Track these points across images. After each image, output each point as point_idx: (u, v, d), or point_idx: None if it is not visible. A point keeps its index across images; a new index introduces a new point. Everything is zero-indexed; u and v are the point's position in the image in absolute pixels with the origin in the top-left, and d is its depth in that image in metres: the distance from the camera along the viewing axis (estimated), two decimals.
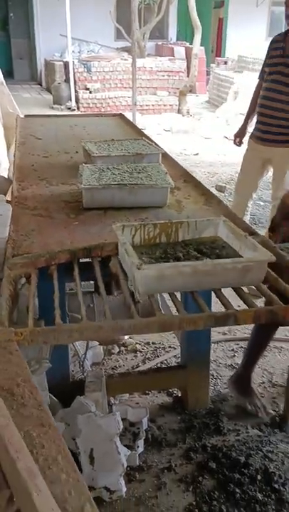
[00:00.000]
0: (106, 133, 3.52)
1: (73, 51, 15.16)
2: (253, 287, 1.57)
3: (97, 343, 2.59)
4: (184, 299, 1.92)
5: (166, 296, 2.13)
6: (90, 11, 14.47)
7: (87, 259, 1.76)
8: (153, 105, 10.88)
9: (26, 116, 4.21)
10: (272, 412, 2.37)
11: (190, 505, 1.89)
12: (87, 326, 1.30)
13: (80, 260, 1.73)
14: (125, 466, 1.95)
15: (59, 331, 1.28)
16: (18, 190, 2.36)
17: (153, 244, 1.63)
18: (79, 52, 15.12)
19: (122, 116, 4.27)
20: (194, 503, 1.90)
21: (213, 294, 1.58)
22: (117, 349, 2.85)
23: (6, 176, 4.00)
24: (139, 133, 3.63)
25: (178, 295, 1.63)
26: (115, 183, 2.07)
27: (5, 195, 3.32)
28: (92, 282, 2.22)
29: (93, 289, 2.21)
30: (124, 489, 1.93)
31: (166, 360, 2.76)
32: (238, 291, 1.50)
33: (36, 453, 0.87)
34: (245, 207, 3.75)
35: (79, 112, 9.82)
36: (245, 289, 1.58)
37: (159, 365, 2.71)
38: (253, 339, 2.40)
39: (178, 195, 2.34)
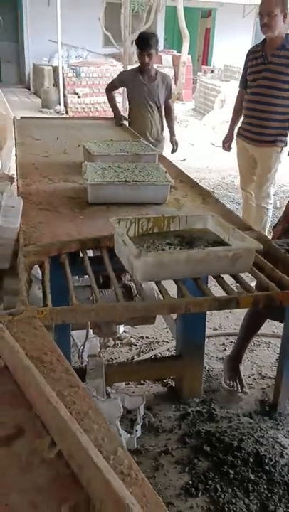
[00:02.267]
0: (102, 135, 3.64)
1: (62, 56, 15.31)
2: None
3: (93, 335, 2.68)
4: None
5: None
6: (79, 17, 14.59)
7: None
8: None
9: (22, 118, 4.31)
10: (247, 391, 2.57)
11: (187, 484, 2.00)
12: (102, 306, 1.41)
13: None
14: (126, 448, 2.05)
15: (77, 311, 1.39)
16: (22, 186, 2.47)
17: (146, 235, 1.74)
18: (67, 57, 15.22)
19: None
20: (190, 482, 2.01)
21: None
22: (112, 342, 2.95)
23: None
24: (133, 136, 3.76)
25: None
26: (119, 180, 2.19)
27: None
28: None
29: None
30: None
31: (159, 353, 2.88)
32: (237, 278, 1.62)
33: (69, 408, 0.98)
34: (249, 200, 4.05)
35: (67, 116, 9.92)
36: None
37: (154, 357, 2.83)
38: (244, 326, 2.57)
39: (176, 194, 2.47)
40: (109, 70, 11.23)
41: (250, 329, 2.57)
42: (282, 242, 2.00)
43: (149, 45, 3.97)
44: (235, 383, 2.58)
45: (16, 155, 3.06)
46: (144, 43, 4.00)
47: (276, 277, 1.62)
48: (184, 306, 1.44)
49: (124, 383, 2.59)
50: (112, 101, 4.43)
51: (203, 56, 16.67)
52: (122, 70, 9.15)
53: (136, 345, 2.96)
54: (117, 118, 4.25)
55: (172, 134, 4.46)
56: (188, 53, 12.39)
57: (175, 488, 1.99)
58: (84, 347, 2.55)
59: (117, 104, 4.57)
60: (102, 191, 2.18)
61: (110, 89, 4.44)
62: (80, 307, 1.40)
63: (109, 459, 0.88)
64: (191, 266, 1.48)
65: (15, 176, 2.59)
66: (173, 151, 4.43)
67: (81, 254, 1.83)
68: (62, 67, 10.78)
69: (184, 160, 7.85)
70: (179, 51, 12.40)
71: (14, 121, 4.05)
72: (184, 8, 12.60)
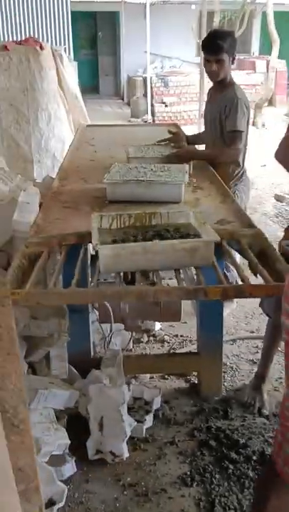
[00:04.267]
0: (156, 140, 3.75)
1: (156, 67, 15.71)
2: None
3: (122, 327, 2.81)
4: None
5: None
6: (173, 27, 14.90)
7: None
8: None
9: (88, 125, 4.56)
10: (266, 412, 2.44)
11: (184, 474, 2.06)
12: (74, 291, 1.54)
13: None
14: (128, 434, 2.15)
15: (50, 294, 1.53)
16: (57, 187, 2.67)
17: (130, 229, 1.84)
18: (161, 67, 15.63)
19: (176, 125, 4.51)
20: (188, 472, 2.06)
21: None
22: (146, 338, 3.06)
23: None
24: None
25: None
26: (134, 178, 2.31)
27: None
28: None
29: None
30: (127, 454, 2.13)
31: (190, 351, 2.93)
32: (215, 269, 1.67)
33: None
34: None
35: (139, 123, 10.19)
36: None
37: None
38: (267, 337, 2.53)
39: (199, 194, 2.53)
40: (198, 79, 11.34)
41: (272, 339, 2.52)
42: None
43: (217, 48, 2.84)
44: (254, 403, 2.47)
45: (64, 159, 3.29)
46: (211, 44, 2.88)
47: (257, 271, 1.64)
48: (152, 294, 1.52)
49: (148, 376, 2.69)
50: None
51: None
52: None
53: (168, 342, 3.03)
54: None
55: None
56: (283, 58, 12.16)
57: (172, 477, 2.05)
58: (110, 339, 2.68)
59: None
60: (119, 189, 2.31)
61: None
62: (53, 290, 1.54)
63: (8, 412, 1.00)
64: (149, 258, 1.55)
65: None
66: None
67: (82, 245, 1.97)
68: (151, 77, 11.08)
69: (264, 166, 7.75)
70: None
71: (77, 128, 4.31)
72: (283, 12, 12.38)
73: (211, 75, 2.97)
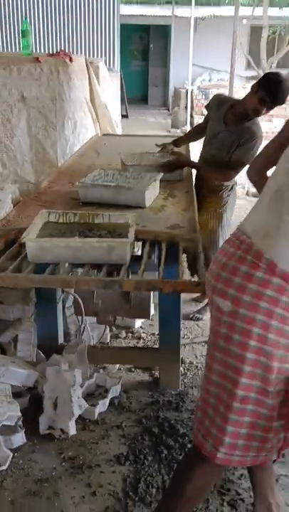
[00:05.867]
0: None
1: (204, 79, 15.95)
2: None
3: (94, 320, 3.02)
4: None
5: None
6: (223, 41, 15.07)
7: None
8: (267, 132, 11.01)
9: (104, 134, 4.84)
10: None
11: (120, 454, 2.25)
12: (6, 275, 1.78)
13: None
14: (77, 414, 2.36)
15: None
16: (44, 188, 2.93)
17: (74, 225, 2.07)
18: (209, 80, 15.87)
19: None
20: (125, 453, 2.25)
21: None
22: (124, 334, 3.26)
23: None
24: None
25: None
26: (103, 183, 2.53)
27: None
28: None
29: None
30: (74, 432, 2.34)
31: (152, 346, 3.10)
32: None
33: None
34: None
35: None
36: None
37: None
38: None
39: (168, 201, 2.73)
40: (239, 92, 11.46)
41: None
42: None
43: (282, 100, 2.89)
44: None
45: (62, 163, 3.56)
46: (280, 93, 2.84)
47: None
48: (74, 282, 1.74)
49: (116, 368, 2.89)
50: None
51: None
52: None
53: (144, 339, 3.23)
54: None
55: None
56: None
57: (109, 455, 2.25)
58: (83, 330, 2.91)
59: None
60: (89, 192, 2.55)
61: None
62: None
63: None
64: (71, 252, 1.77)
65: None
66: None
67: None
68: (192, 90, 11.31)
69: None
70: None
71: (92, 137, 4.58)
72: None
73: (255, 113, 2.98)
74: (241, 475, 2.15)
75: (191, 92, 11.34)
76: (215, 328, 1.45)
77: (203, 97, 11.57)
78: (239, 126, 3.07)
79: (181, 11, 15.13)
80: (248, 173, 1.74)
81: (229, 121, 3.14)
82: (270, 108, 2.92)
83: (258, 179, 1.71)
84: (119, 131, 6.54)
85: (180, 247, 2.04)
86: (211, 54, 15.14)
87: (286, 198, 1.32)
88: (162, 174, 2.85)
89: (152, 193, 2.63)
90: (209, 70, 15.83)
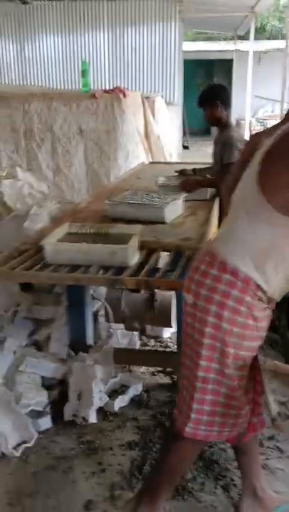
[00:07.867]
0: None
1: (266, 110, 16.20)
2: None
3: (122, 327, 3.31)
4: None
5: None
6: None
7: None
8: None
9: (151, 162, 5.22)
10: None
11: (132, 441, 2.51)
12: (20, 272, 2.14)
13: None
14: (97, 405, 2.66)
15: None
16: (83, 207, 3.31)
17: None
18: (272, 111, 16.07)
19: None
20: (136, 440, 2.51)
21: None
22: (152, 343, 3.53)
23: None
24: None
25: None
26: (129, 201, 2.87)
27: None
28: None
29: None
30: (94, 420, 2.63)
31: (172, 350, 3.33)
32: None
33: None
34: None
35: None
36: None
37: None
38: None
39: (189, 218, 3.02)
40: None
41: None
42: None
43: (202, 100, 3.63)
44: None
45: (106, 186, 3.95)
46: (200, 98, 3.64)
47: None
48: (85, 280, 2.06)
49: (141, 371, 3.16)
50: None
51: None
52: None
53: (171, 348, 3.48)
54: None
55: None
56: None
57: (122, 441, 2.51)
58: (111, 334, 3.21)
59: None
60: (116, 209, 2.89)
61: None
62: (3, 270, 2.14)
63: None
64: (82, 255, 2.10)
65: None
66: None
67: None
68: (250, 121, 11.59)
69: None
70: None
71: (138, 164, 4.97)
72: None
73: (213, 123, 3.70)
74: None
75: (250, 123, 11.61)
76: (184, 318, 1.72)
77: (262, 127, 11.80)
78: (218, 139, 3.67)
79: (244, 46, 15.56)
80: (222, 192, 2.06)
81: (216, 139, 3.77)
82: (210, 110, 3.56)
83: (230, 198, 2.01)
84: (174, 161, 6.94)
85: (184, 255, 2.32)
86: (273, 86, 15.37)
87: (237, 208, 1.60)
88: (186, 194, 3.15)
89: (173, 209, 2.92)
90: (272, 101, 16.03)
